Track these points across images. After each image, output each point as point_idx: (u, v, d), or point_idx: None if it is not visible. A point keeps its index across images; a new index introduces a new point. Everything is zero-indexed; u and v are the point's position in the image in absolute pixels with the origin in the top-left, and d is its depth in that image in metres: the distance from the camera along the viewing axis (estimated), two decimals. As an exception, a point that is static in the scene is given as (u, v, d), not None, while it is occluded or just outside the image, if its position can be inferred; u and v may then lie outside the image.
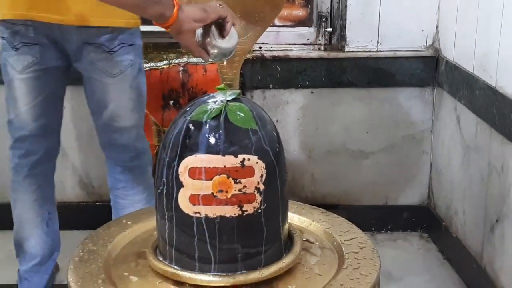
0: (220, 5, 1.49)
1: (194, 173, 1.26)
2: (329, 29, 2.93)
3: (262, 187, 1.28)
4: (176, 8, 1.47)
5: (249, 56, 2.79)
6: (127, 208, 2.20)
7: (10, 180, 2.29)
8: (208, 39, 1.48)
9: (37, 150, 2.23)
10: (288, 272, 1.34)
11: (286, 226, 1.38)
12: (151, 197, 2.23)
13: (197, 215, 1.27)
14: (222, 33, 1.47)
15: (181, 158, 1.28)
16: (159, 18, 1.48)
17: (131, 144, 2.22)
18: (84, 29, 2.06)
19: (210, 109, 1.30)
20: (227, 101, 1.31)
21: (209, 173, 1.26)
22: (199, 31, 1.49)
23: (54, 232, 2.37)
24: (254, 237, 1.30)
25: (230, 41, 1.47)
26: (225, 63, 1.49)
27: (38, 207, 2.29)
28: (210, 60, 1.51)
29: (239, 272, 1.30)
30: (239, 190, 1.26)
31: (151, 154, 2.36)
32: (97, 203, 3.01)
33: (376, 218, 3.04)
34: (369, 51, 2.89)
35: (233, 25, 1.48)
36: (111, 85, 2.13)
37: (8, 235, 2.59)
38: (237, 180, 1.26)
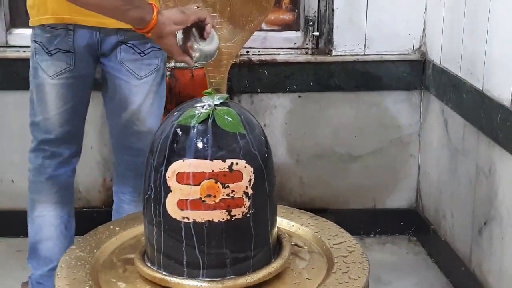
0: (197, 7, 1.49)
1: (182, 178, 1.26)
2: (317, 33, 2.93)
3: (250, 191, 1.28)
4: (155, 12, 1.47)
5: (236, 60, 2.79)
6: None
7: (30, 181, 2.26)
8: (189, 43, 1.47)
9: (61, 153, 2.23)
10: (277, 276, 1.34)
11: (275, 230, 1.38)
12: None
13: (185, 220, 1.27)
14: (202, 35, 1.47)
15: (169, 163, 1.27)
16: (140, 22, 1.48)
17: (145, 148, 2.20)
18: (124, 31, 2.08)
19: (198, 113, 1.29)
20: (215, 105, 1.31)
21: (197, 178, 1.25)
22: (180, 36, 1.49)
23: (71, 236, 2.34)
24: (242, 241, 1.30)
25: (212, 42, 1.47)
26: (209, 64, 1.48)
27: (59, 210, 2.28)
28: (194, 64, 1.51)
29: (228, 277, 1.29)
30: (228, 194, 1.26)
31: None
32: (84, 209, 2.99)
33: (365, 222, 3.05)
34: (357, 55, 2.89)
35: (212, 26, 1.48)
36: (135, 87, 2.15)
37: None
38: (225, 185, 1.25)
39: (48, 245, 2.27)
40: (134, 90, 2.16)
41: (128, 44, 2.11)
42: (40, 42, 2.12)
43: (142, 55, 2.13)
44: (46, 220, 2.27)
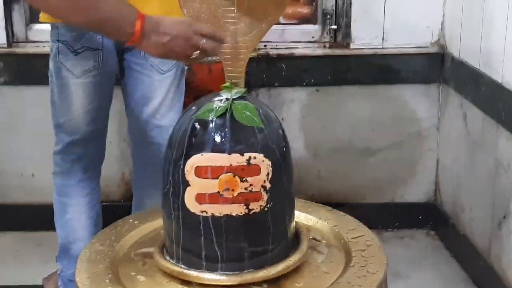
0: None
1: (200, 172, 1.26)
2: (334, 27, 2.92)
3: (268, 185, 1.28)
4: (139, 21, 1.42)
5: (254, 54, 2.79)
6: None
7: (58, 185, 2.26)
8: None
9: (88, 154, 2.23)
10: (295, 270, 1.34)
11: (293, 224, 1.38)
12: None
13: (204, 214, 1.27)
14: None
15: (187, 157, 1.28)
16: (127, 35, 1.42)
17: (164, 143, 2.21)
18: None
19: (216, 107, 1.30)
20: (233, 99, 1.31)
21: (215, 172, 1.26)
22: None
23: (99, 229, 2.35)
24: (260, 235, 1.30)
25: None
26: (227, 59, 1.48)
27: (89, 211, 2.29)
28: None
29: (246, 270, 1.30)
30: (246, 188, 1.26)
31: None
32: (103, 203, 3.00)
33: (383, 216, 3.04)
34: (374, 48, 2.88)
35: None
36: (158, 81, 2.16)
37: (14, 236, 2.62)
38: (244, 179, 1.26)
39: (80, 245, 2.24)
40: (157, 84, 2.16)
41: None
42: (65, 41, 2.09)
43: None
44: (78, 222, 2.27)
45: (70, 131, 2.18)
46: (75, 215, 2.27)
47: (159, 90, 2.17)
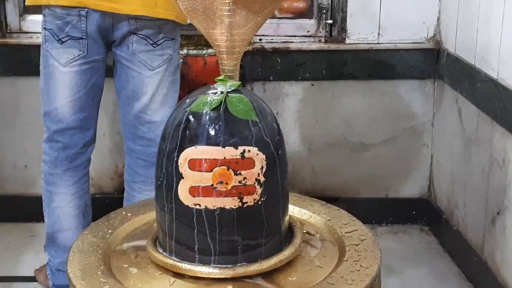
0: None
1: (194, 164, 1.26)
2: (330, 21, 2.91)
3: (262, 179, 1.27)
4: None
5: (249, 48, 2.78)
6: None
7: (45, 173, 2.25)
8: None
9: (75, 143, 2.22)
10: (288, 264, 1.34)
11: (287, 218, 1.38)
12: None
13: (197, 206, 1.27)
14: None
15: (181, 149, 1.27)
16: None
17: (156, 139, 2.20)
18: (136, 19, 2.07)
19: (210, 100, 1.29)
20: (227, 92, 1.30)
21: (209, 165, 1.25)
22: None
23: (88, 222, 2.33)
24: (254, 229, 1.30)
25: None
26: (222, 51, 1.47)
27: (77, 200, 2.28)
28: None
29: (239, 264, 1.29)
30: (239, 181, 1.26)
31: None
32: (97, 195, 3.01)
33: (377, 211, 3.04)
34: (370, 43, 2.87)
35: None
36: (148, 77, 2.14)
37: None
38: (237, 172, 1.25)
39: (67, 235, 2.27)
40: (147, 80, 2.14)
41: (140, 35, 2.10)
42: (51, 29, 2.09)
43: (155, 46, 2.12)
44: (64, 211, 2.26)
45: (56, 120, 2.17)
46: (61, 204, 2.26)
47: (149, 86, 2.15)
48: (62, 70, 2.12)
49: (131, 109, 2.20)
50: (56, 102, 2.15)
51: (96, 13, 2.06)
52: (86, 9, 2.06)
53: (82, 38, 2.09)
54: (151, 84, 2.15)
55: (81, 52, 2.10)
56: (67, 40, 2.09)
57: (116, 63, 2.18)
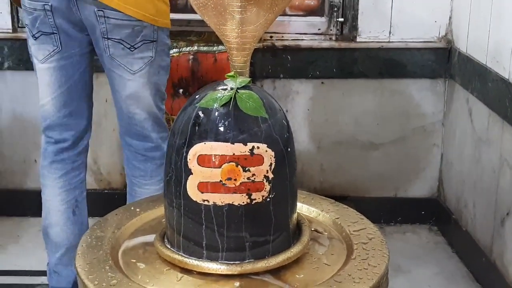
0: None
1: (203, 160, 1.26)
2: (341, 19, 2.91)
3: (271, 175, 1.27)
4: None
5: (259, 45, 2.78)
6: (144, 196, 2.17)
7: (40, 165, 2.26)
8: None
9: (65, 138, 2.20)
10: (296, 261, 1.34)
11: (295, 215, 1.38)
12: None
13: (206, 202, 1.27)
14: None
15: (190, 145, 1.27)
16: None
17: (149, 135, 2.19)
18: (103, 18, 2.01)
19: (220, 96, 1.29)
20: (237, 88, 1.30)
21: (218, 161, 1.25)
22: None
23: (82, 221, 2.30)
24: (262, 226, 1.29)
25: None
26: (232, 48, 1.47)
27: (65, 195, 2.25)
28: None
29: (247, 260, 1.29)
30: (248, 178, 1.25)
31: None
32: (106, 191, 3.01)
33: (385, 210, 3.03)
34: (381, 42, 2.86)
35: None
36: (130, 80, 2.09)
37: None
38: (246, 168, 1.25)
39: (56, 230, 2.26)
40: (129, 83, 2.09)
41: (115, 40, 2.03)
42: (27, 25, 2.08)
43: (132, 49, 2.05)
44: (52, 205, 2.25)
45: (44, 117, 2.17)
46: (50, 197, 2.25)
47: (133, 89, 2.10)
48: (41, 67, 2.09)
49: (119, 106, 2.16)
50: (42, 99, 2.14)
51: (61, 3, 2.00)
52: (50, 3, 2.00)
53: (53, 33, 2.04)
54: (134, 87, 2.10)
55: (56, 48, 2.05)
56: (40, 35, 2.05)
57: (102, 63, 2.14)
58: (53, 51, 2.06)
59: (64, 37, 2.05)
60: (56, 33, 2.04)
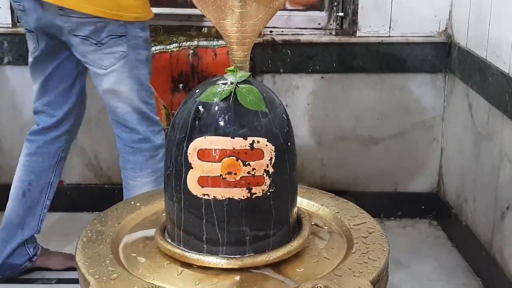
0: None
1: (203, 154, 1.26)
2: (341, 14, 2.90)
3: (271, 170, 1.27)
4: None
5: (259, 40, 2.78)
6: (136, 189, 2.21)
7: None
8: None
9: (38, 122, 2.37)
10: (296, 255, 1.34)
11: (295, 209, 1.38)
12: (159, 180, 2.23)
13: (206, 197, 1.27)
14: None
15: (190, 139, 1.27)
16: None
17: (136, 127, 2.22)
18: (65, 17, 2.06)
19: (220, 90, 1.29)
20: (237, 83, 1.30)
21: (218, 155, 1.25)
22: None
23: (30, 206, 2.39)
24: (262, 220, 1.30)
25: None
26: (232, 42, 1.47)
27: (21, 173, 2.38)
28: None
29: (247, 254, 1.29)
30: (248, 172, 1.26)
31: (164, 138, 2.34)
32: (106, 185, 3.01)
33: (385, 205, 3.03)
34: (381, 37, 2.86)
35: None
36: (104, 76, 2.15)
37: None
38: (246, 163, 1.25)
39: (9, 204, 2.39)
40: (105, 79, 2.15)
41: (81, 37, 2.09)
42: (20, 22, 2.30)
43: (100, 45, 2.09)
44: (14, 179, 2.40)
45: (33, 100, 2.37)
46: (16, 172, 2.40)
47: (109, 84, 2.16)
48: (30, 60, 2.28)
49: (104, 101, 2.24)
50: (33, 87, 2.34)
51: (29, 4, 2.10)
52: (22, 3, 2.12)
53: (32, 31, 2.19)
54: (109, 82, 2.16)
55: (35, 45, 2.22)
56: (26, 32, 2.24)
57: None
58: (34, 47, 2.24)
59: (40, 35, 2.19)
60: (33, 32, 2.19)
